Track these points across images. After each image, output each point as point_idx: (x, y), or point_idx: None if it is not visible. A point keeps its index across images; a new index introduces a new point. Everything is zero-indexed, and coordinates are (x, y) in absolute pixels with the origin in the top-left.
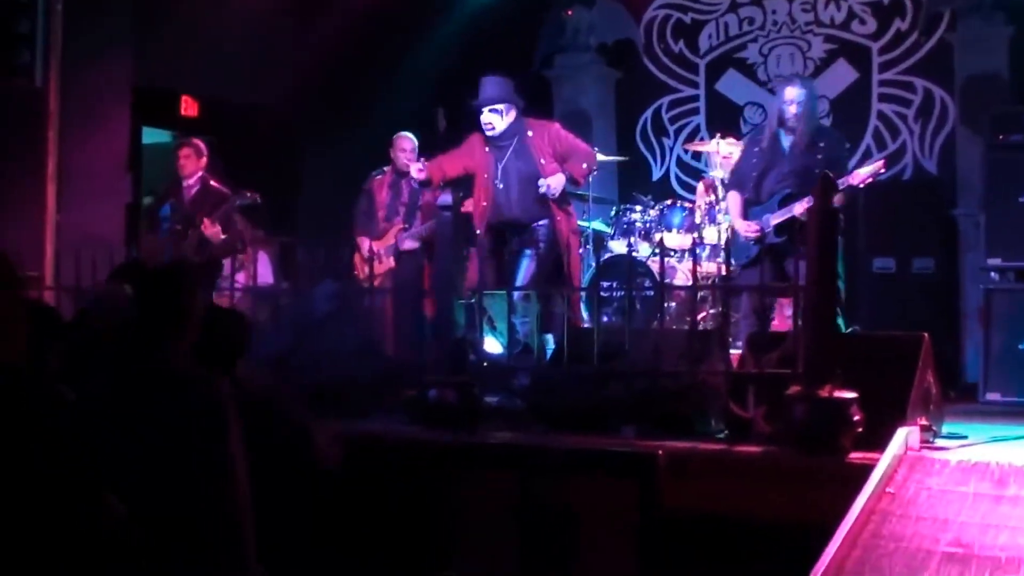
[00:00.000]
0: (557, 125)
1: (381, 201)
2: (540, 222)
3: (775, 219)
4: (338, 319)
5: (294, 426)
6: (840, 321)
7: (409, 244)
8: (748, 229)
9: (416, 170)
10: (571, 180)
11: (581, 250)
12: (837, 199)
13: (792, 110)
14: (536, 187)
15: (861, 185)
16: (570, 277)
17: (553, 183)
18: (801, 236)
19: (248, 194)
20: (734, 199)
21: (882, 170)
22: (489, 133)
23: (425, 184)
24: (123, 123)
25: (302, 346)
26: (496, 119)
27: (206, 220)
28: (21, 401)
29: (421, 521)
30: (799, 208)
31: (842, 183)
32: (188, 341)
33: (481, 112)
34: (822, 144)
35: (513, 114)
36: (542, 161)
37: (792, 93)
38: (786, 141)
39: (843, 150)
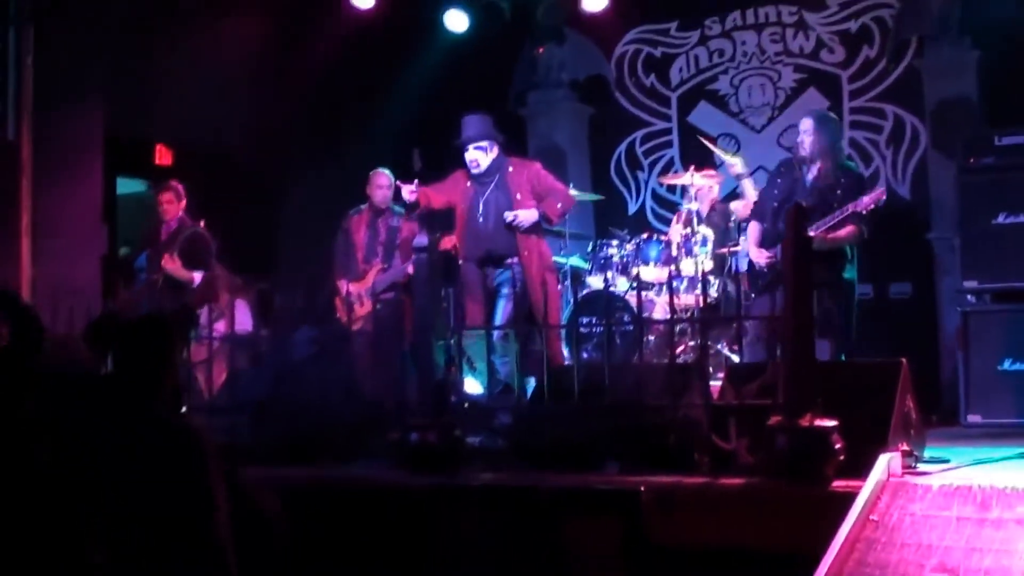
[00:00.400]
0: (538, 165)
1: (359, 241)
2: (512, 259)
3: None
4: (318, 364)
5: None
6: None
7: (386, 287)
8: (760, 256)
9: (408, 191)
10: (545, 218)
11: (560, 286)
12: (848, 230)
13: (804, 140)
14: (509, 226)
15: (864, 212)
16: (546, 315)
17: (522, 215)
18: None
19: (194, 224)
20: (753, 228)
21: (882, 197)
22: (475, 171)
23: (412, 208)
24: (97, 174)
25: (282, 392)
26: (481, 156)
27: (165, 255)
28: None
29: (407, 565)
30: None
31: (844, 210)
32: (167, 389)
33: (466, 150)
34: (843, 180)
35: (496, 150)
36: (518, 196)
37: (803, 124)
38: (808, 174)
39: (863, 190)
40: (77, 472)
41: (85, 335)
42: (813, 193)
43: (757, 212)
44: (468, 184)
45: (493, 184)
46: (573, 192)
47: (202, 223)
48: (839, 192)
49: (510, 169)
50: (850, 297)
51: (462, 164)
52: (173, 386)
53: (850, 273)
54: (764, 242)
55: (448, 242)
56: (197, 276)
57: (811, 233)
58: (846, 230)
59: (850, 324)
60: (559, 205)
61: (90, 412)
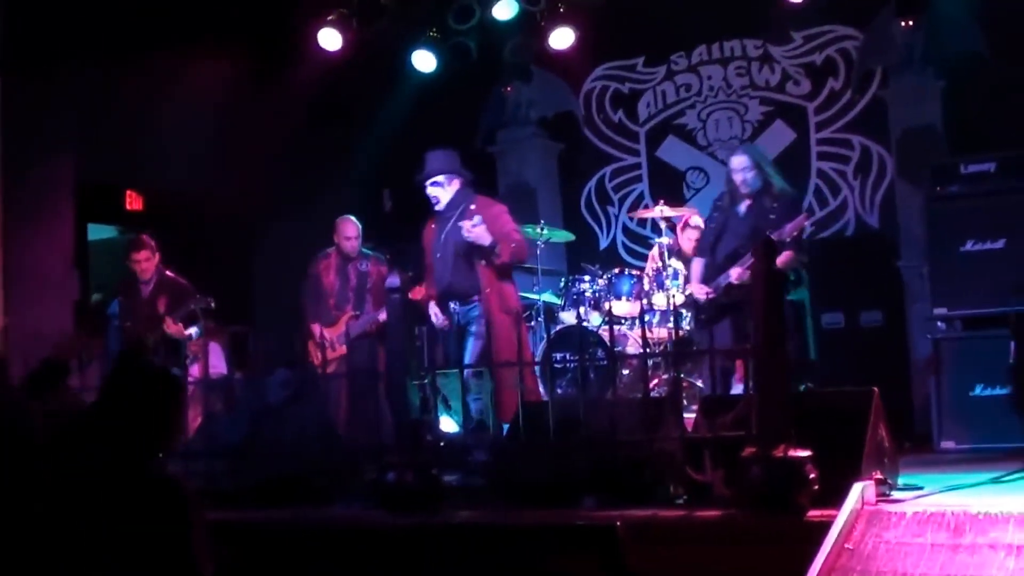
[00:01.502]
0: (502, 208)
1: (329, 287)
2: (473, 299)
3: (723, 278)
4: (293, 406)
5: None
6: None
7: (359, 333)
8: (700, 291)
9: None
10: (494, 252)
11: (532, 323)
12: (785, 256)
13: (739, 179)
14: (470, 257)
15: (787, 239)
16: (507, 355)
17: (476, 231)
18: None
19: (202, 297)
20: (697, 264)
21: (804, 223)
22: (436, 207)
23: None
24: (68, 221)
25: (258, 435)
26: (440, 191)
27: (168, 320)
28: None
29: None
30: (735, 272)
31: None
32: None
33: (425, 188)
34: (775, 205)
35: (456, 184)
36: None
37: (735, 162)
38: (742, 207)
39: (798, 210)
40: (61, 524)
41: (27, 383)
42: (746, 223)
43: (701, 247)
44: (433, 226)
45: (452, 220)
46: (544, 232)
47: (203, 296)
48: (772, 217)
49: (472, 207)
50: (801, 317)
51: (429, 207)
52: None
53: (798, 295)
54: (705, 277)
55: (418, 292)
56: (194, 331)
57: (743, 269)
58: (783, 257)
59: (806, 344)
60: (510, 251)
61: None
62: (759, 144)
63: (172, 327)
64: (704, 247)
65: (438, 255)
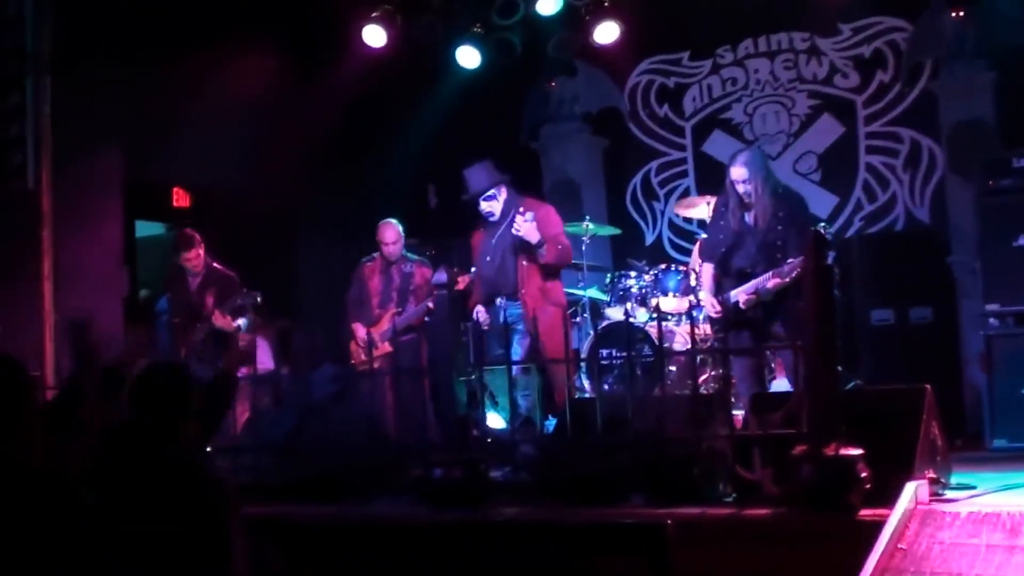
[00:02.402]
0: (550, 208)
1: (373, 288)
2: (519, 294)
3: (734, 296)
4: (340, 402)
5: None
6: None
7: (405, 330)
8: (712, 308)
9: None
10: (541, 249)
11: (578, 319)
12: (773, 283)
13: (742, 189)
14: (516, 254)
15: (787, 280)
16: (552, 352)
17: (527, 226)
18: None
19: (250, 293)
20: (707, 271)
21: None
22: (492, 220)
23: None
24: (116, 218)
25: (305, 430)
26: (493, 205)
27: (217, 312)
28: (42, 505)
29: None
30: (742, 298)
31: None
32: (189, 436)
33: (477, 204)
34: (781, 214)
35: (504, 192)
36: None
37: (736, 174)
38: (748, 217)
39: (804, 214)
40: (102, 522)
41: (98, 381)
42: (756, 238)
43: (708, 254)
44: (482, 233)
45: (504, 225)
46: (589, 227)
47: (251, 292)
48: (780, 228)
49: (520, 210)
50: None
51: (476, 215)
52: (196, 431)
53: None
54: (715, 288)
55: (463, 282)
56: (243, 324)
57: (762, 285)
58: (774, 283)
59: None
60: (558, 248)
61: (116, 459)
62: (759, 147)
63: (220, 320)
64: (712, 252)
65: (487, 258)
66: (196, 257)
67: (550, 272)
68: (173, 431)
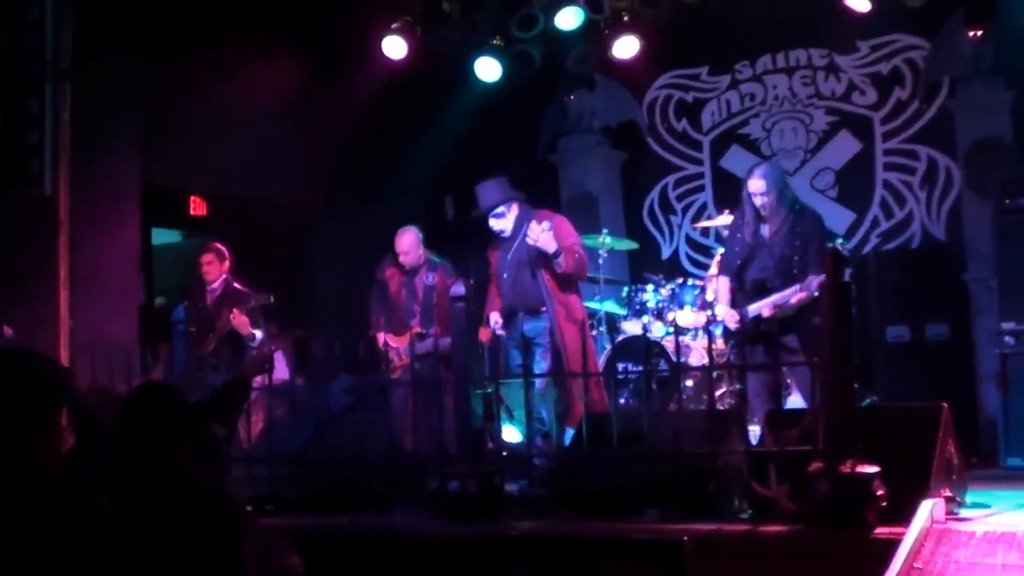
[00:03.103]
0: (563, 219)
1: (395, 297)
2: (542, 310)
3: (754, 309)
4: (356, 413)
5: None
6: None
7: (424, 352)
8: (731, 319)
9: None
10: (557, 260)
11: (595, 332)
12: (798, 298)
13: (759, 202)
14: (534, 267)
15: (815, 293)
16: (585, 364)
17: (544, 236)
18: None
19: (264, 294)
20: (723, 284)
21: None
22: (504, 236)
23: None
24: (133, 225)
25: (321, 441)
26: (503, 222)
27: (235, 310)
28: (59, 512)
29: None
30: (766, 310)
31: (795, 291)
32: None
33: (488, 222)
34: (799, 229)
35: (515, 208)
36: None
37: (754, 186)
38: (765, 230)
39: (820, 230)
40: (129, 538)
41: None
42: (773, 251)
43: (725, 267)
44: (497, 249)
45: (518, 240)
46: (606, 241)
47: (264, 294)
48: (797, 243)
49: (533, 224)
50: None
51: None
52: (207, 443)
53: None
54: (733, 302)
55: (484, 334)
56: (259, 334)
57: (787, 299)
58: (799, 296)
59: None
60: (575, 257)
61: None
62: (777, 161)
63: (237, 319)
64: (729, 266)
65: (504, 275)
66: (208, 264)
67: (569, 284)
68: (164, 450)
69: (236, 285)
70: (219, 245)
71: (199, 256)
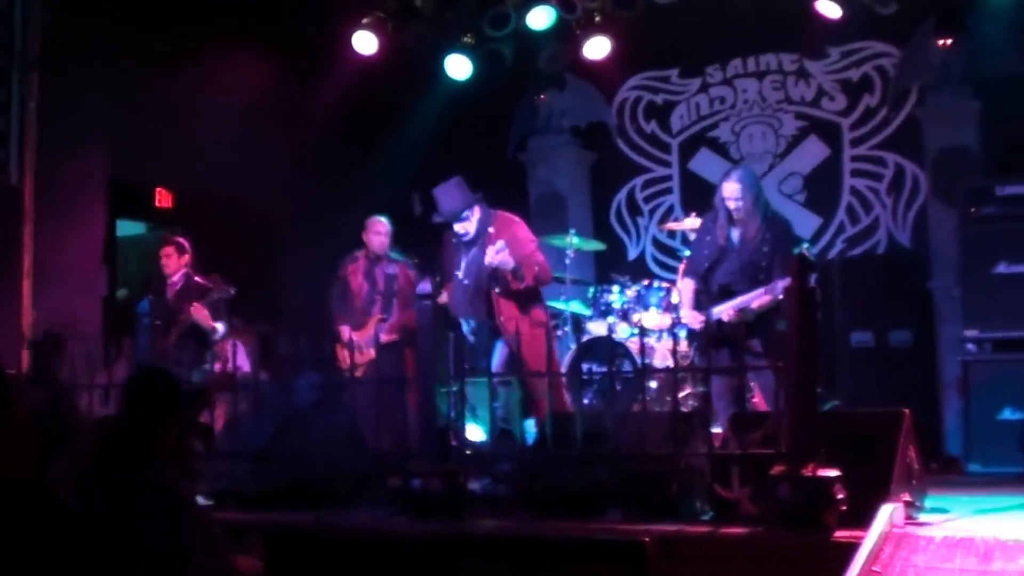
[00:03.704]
0: (521, 225)
1: (357, 288)
2: (500, 318)
3: (716, 313)
4: (320, 410)
5: None
6: None
7: (388, 337)
8: (695, 321)
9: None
10: (518, 274)
11: (560, 332)
12: (760, 302)
13: (733, 206)
14: (491, 284)
15: (780, 296)
16: (549, 363)
17: (500, 257)
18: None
19: (224, 287)
20: (688, 286)
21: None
22: (466, 239)
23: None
24: (99, 217)
25: (285, 438)
26: (467, 225)
27: (196, 303)
28: (26, 515)
29: None
30: (726, 314)
31: (766, 291)
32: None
33: (451, 226)
34: (768, 235)
35: (478, 210)
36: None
37: (728, 190)
38: (735, 234)
39: (790, 238)
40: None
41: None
42: (740, 256)
43: (691, 270)
44: (454, 242)
45: (478, 246)
46: (573, 241)
47: (225, 286)
48: (766, 250)
49: (491, 230)
50: None
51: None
52: (180, 443)
53: None
54: (697, 303)
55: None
56: (220, 327)
57: (748, 303)
58: (762, 300)
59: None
60: (535, 270)
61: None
62: (752, 166)
63: (199, 311)
64: (695, 269)
65: (464, 280)
66: (167, 257)
67: (529, 297)
68: (160, 436)
69: (197, 279)
70: (180, 238)
71: (160, 248)
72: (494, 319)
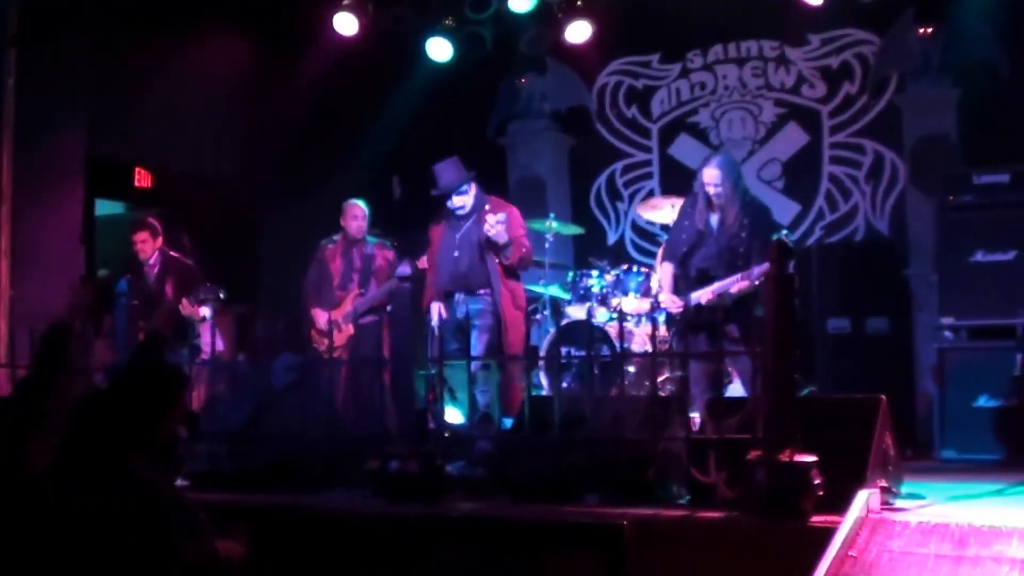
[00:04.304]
0: (514, 210)
1: (335, 270)
2: (482, 292)
3: (695, 298)
4: (298, 392)
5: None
6: None
7: (367, 311)
8: (673, 305)
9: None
10: (506, 251)
11: (539, 316)
12: (738, 287)
13: (713, 191)
14: (484, 252)
15: (756, 282)
16: (526, 347)
17: (499, 228)
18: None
19: (213, 288)
20: (667, 270)
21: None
22: (460, 213)
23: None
24: (77, 196)
25: (261, 419)
26: (465, 199)
27: (184, 302)
28: (4, 498)
29: None
30: (704, 297)
31: (744, 277)
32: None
33: (450, 198)
34: (746, 221)
35: (474, 188)
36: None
37: (709, 176)
38: (714, 219)
39: (768, 224)
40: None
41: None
42: (719, 241)
43: (669, 253)
44: (444, 227)
45: (471, 222)
46: (552, 225)
47: (213, 287)
48: (744, 235)
49: (487, 207)
50: None
51: (438, 202)
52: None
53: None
54: (676, 287)
55: (422, 263)
56: (207, 311)
57: (727, 288)
58: (740, 285)
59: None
60: (522, 252)
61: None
62: (732, 152)
63: (188, 309)
64: (673, 253)
65: (455, 254)
66: (142, 242)
67: (513, 273)
68: (157, 427)
69: (172, 253)
70: (151, 220)
71: (133, 234)
72: (492, 284)
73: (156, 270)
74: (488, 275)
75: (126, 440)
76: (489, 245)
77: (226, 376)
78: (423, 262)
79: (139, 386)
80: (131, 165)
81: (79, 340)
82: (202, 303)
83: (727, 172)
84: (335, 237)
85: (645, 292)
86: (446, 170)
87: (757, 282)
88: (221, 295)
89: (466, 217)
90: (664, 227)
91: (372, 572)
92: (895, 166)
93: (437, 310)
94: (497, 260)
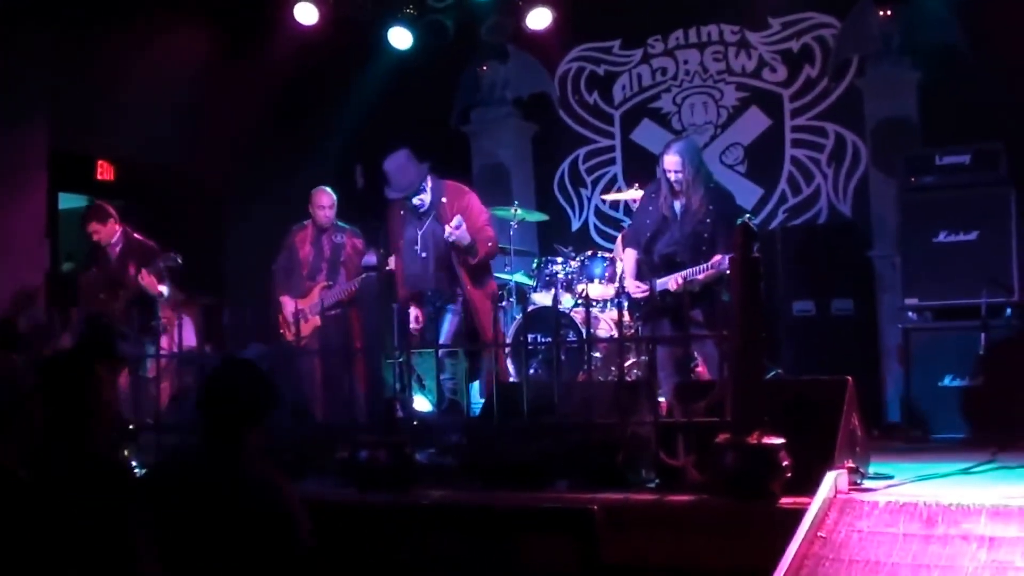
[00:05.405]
0: (472, 196)
1: (304, 258)
2: (455, 295)
3: (661, 284)
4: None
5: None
6: None
7: (333, 301)
8: (637, 290)
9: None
10: (472, 250)
11: (504, 303)
12: (706, 275)
13: (674, 178)
14: (449, 257)
15: (725, 271)
16: (495, 334)
17: (459, 232)
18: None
19: (170, 254)
20: (630, 256)
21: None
22: (422, 211)
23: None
24: (41, 190)
25: None
26: (423, 197)
27: (144, 271)
28: None
29: None
30: (672, 283)
31: (709, 267)
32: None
33: (410, 199)
34: (711, 207)
35: (430, 180)
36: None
37: (669, 162)
38: (677, 205)
39: (733, 210)
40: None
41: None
42: (682, 227)
43: (632, 239)
44: (403, 213)
45: (432, 217)
46: (517, 212)
47: (172, 254)
48: (708, 221)
49: (443, 200)
50: None
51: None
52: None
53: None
54: (639, 272)
55: (391, 263)
56: (166, 290)
57: (694, 275)
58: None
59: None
60: (488, 245)
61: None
62: (694, 137)
63: (146, 279)
64: (635, 239)
65: (422, 254)
66: (104, 230)
67: (483, 269)
68: (84, 421)
69: (136, 236)
70: (100, 205)
71: (84, 225)
72: (461, 289)
73: (119, 249)
74: (457, 276)
75: (57, 430)
76: (454, 250)
77: (194, 369)
78: (392, 263)
79: (56, 374)
80: (94, 158)
81: (44, 332)
82: (160, 273)
83: (687, 158)
84: (305, 223)
85: (610, 278)
86: (402, 171)
87: (724, 270)
88: (179, 260)
89: (426, 212)
90: (627, 210)
91: (343, 560)
92: (857, 148)
93: (415, 316)
94: (463, 266)
